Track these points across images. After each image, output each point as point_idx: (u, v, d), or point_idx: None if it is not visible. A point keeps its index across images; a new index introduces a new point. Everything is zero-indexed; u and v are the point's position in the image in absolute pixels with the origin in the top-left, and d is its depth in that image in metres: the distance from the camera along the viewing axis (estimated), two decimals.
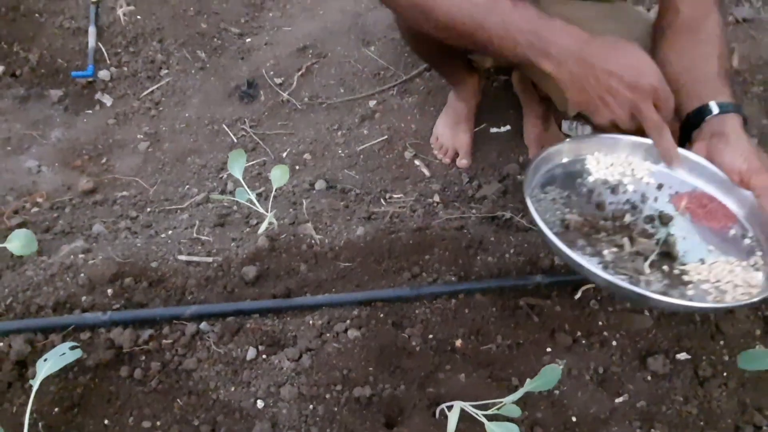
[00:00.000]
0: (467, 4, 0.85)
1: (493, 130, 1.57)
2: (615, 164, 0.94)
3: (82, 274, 0.99)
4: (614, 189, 0.92)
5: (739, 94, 1.06)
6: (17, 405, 0.80)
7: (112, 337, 0.88)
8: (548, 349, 0.88)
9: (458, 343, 0.89)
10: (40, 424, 0.78)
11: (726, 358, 0.83)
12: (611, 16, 1.18)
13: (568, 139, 0.92)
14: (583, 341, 0.88)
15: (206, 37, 1.90)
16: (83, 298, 0.95)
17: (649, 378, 0.83)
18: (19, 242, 0.99)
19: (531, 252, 1.03)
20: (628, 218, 0.87)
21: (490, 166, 1.48)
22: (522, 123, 1.54)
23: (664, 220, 0.88)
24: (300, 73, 1.76)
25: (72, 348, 0.79)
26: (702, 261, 0.83)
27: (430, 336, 0.89)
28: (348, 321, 0.90)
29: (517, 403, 0.75)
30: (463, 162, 1.47)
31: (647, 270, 0.79)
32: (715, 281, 0.80)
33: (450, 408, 0.73)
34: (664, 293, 0.76)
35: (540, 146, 1.50)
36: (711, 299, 0.75)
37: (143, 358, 0.87)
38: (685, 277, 0.80)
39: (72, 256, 1.05)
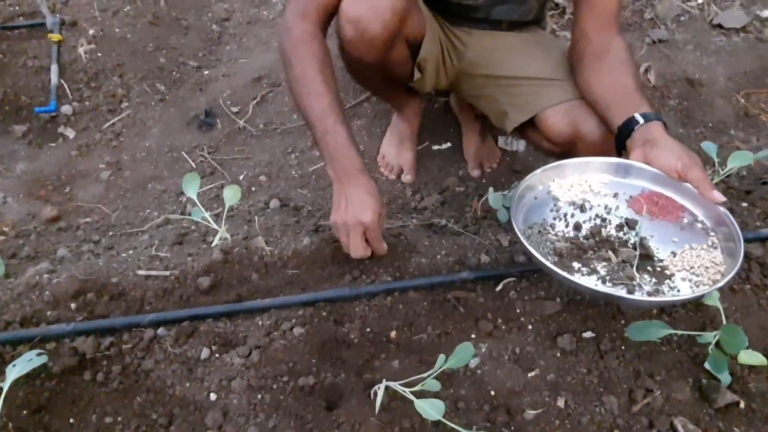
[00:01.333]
0: (305, 105, 1.06)
1: (435, 147, 1.71)
2: (574, 185, 1.07)
3: (47, 292, 1.06)
4: (582, 207, 1.03)
5: (656, 105, 1.21)
6: None
7: (75, 346, 0.96)
8: (472, 336, 0.99)
9: (393, 334, 0.99)
10: (9, 425, 0.85)
11: (625, 334, 0.95)
12: (532, 42, 1.33)
13: (530, 174, 1.04)
14: (503, 327, 1.00)
15: (165, 71, 2.00)
16: (48, 313, 1.02)
17: (558, 354, 0.95)
18: None
19: (460, 252, 1.14)
20: (604, 232, 0.99)
21: (432, 179, 1.60)
22: (461, 140, 1.69)
23: (631, 225, 1.00)
24: (255, 101, 1.88)
25: (38, 355, 0.87)
26: (673, 253, 0.96)
27: (368, 330, 0.99)
28: (293, 320, 1.00)
29: (442, 382, 0.86)
30: (407, 178, 1.60)
31: (637, 275, 0.91)
32: (690, 268, 0.93)
33: (380, 386, 0.83)
34: (656, 291, 0.89)
35: (478, 160, 1.64)
36: (694, 287, 0.90)
37: (105, 362, 0.94)
38: (667, 272, 0.93)
39: (37, 276, 1.12)
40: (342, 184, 1.04)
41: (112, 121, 1.83)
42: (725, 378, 0.89)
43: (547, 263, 0.87)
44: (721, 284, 0.87)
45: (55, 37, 1.92)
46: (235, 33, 2.29)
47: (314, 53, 1.05)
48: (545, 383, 0.91)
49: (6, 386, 0.82)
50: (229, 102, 1.90)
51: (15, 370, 0.84)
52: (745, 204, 1.29)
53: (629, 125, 1.05)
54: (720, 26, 2.06)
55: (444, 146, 1.70)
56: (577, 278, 0.88)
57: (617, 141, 1.08)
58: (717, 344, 0.90)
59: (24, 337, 0.96)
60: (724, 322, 0.93)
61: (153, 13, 2.14)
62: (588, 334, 0.98)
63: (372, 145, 1.69)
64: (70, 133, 1.80)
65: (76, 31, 2.01)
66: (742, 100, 1.87)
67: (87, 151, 1.75)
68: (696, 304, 1.01)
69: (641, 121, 1.04)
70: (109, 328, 0.99)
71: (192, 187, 1.18)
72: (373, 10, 1.06)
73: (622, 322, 0.99)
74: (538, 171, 1.05)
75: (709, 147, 1.32)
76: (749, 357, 0.88)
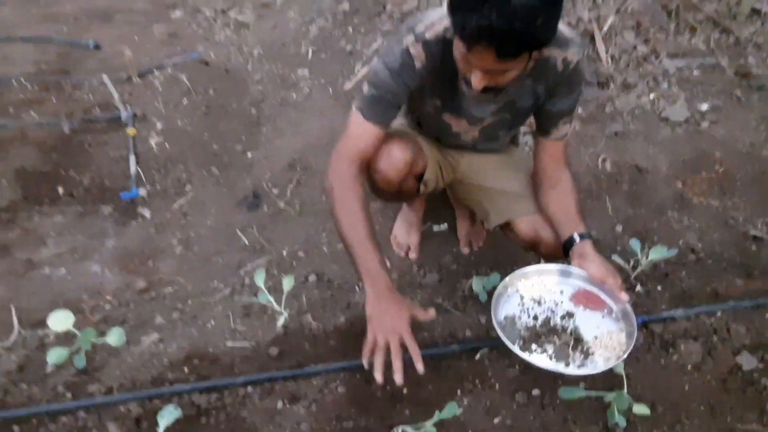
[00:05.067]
0: (347, 234, 1.36)
1: (435, 228, 2.18)
2: (534, 285, 1.54)
3: (165, 359, 1.54)
4: (539, 302, 1.49)
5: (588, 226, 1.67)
6: None
7: (193, 399, 1.43)
8: (458, 392, 1.46)
9: (405, 391, 1.46)
10: None
11: (558, 393, 1.42)
12: (508, 163, 1.80)
13: (505, 280, 1.50)
14: (479, 386, 1.47)
15: (218, 156, 2.48)
16: (169, 374, 1.50)
17: (515, 406, 1.42)
18: (115, 337, 1.55)
19: (452, 327, 1.62)
20: (552, 321, 1.44)
21: (432, 256, 2.08)
22: (456, 222, 2.16)
23: (570, 315, 1.45)
24: (292, 185, 2.36)
25: (174, 408, 1.35)
26: (596, 337, 1.41)
27: (387, 388, 1.47)
28: (337, 381, 1.47)
29: (437, 427, 1.33)
30: (413, 255, 2.07)
31: (572, 353, 1.37)
32: (605, 347, 1.39)
33: (398, 429, 1.31)
34: (583, 364, 1.34)
35: (468, 239, 2.12)
36: (605, 361, 1.34)
37: (214, 412, 1.42)
38: (590, 351, 1.38)
39: (153, 346, 1.60)
40: (378, 298, 1.31)
41: (178, 203, 2.30)
42: (622, 422, 1.36)
43: (516, 350, 1.34)
44: (615, 363, 1.34)
45: (131, 131, 2.41)
46: (269, 115, 2.77)
47: (357, 194, 1.38)
48: (505, 427, 1.38)
49: (161, 430, 1.29)
50: (270, 184, 2.37)
51: (164, 420, 1.31)
52: (659, 287, 1.77)
53: (570, 241, 1.52)
54: (667, 119, 2.53)
55: (442, 227, 2.18)
56: (534, 358, 1.35)
57: (563, 248, 1.56)
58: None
59: (159, 394, 1.44)
60: (626, 383, 1.40)
61: (205, 104, 2.63)
62: (536, 392, 1.45)
63: (386, 226, 2.17)
64: (147, 213, 2.27)
65: (146, 124, 2.49)
66: (680, 185, 2.34)
67: (161, 228, 2.22)
68: (610, 370, 1.48)
69: (578, 240, 1.51)
70: (214, 386, 1.46)
71: (260, 278, 1.66)
72: (392, 165, 1.54)
73: (559, 382, 1.47)
74: (509, 276, 1.52)
75: (635, 244, 1.80)
76: (639, 409, 1.35)
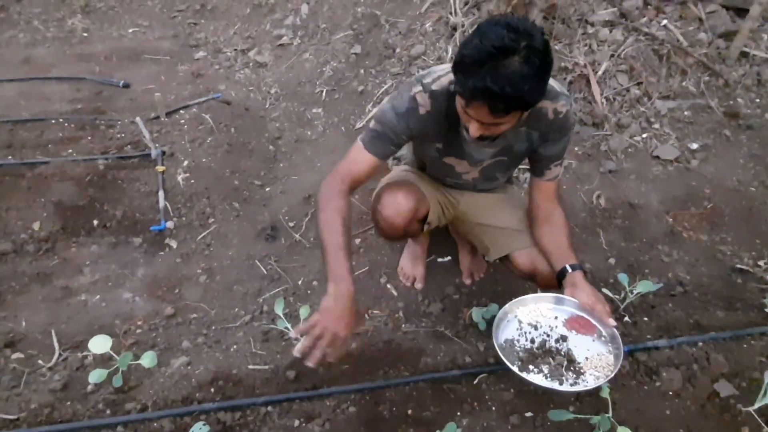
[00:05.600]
0: (324, 238, 1.48)
1: (439, 260, 2.35)
2: (531, 311, 1.69)
3: (193, 380, 1.71)
4: (535, 326, 1.65)
5: (580, 258, 1.78)
6: None
7: (219, 417, 1.59)
8: (458, 413, 1.61)
9: (410, 411, 1.62)
10: None
11: (548, 415, 1.56)
12: (505, 200, 1.97)
13: (505, 307, 1.66)
14: (477, 408, 1.62)
15: (238, 191, 2.68)
16: (197, 394, 1.67)
17: (509, 427, 1.57)
18: (148, 359, 1.73)
19: (453, 354, 1.78)
20: (547, 344, 1.59)
21: (437, 287, 2.24)
22: (458, 254, 2.33)
23: (564, 339, 1.61)
24: (307, 218, 2.54)
25: (203, 425, 1.51)
26: (587, 358, 1.55)
27: (394, 409, 1.62)
28: (348, 402, 1.63)
29: None
30: (418, 285, 2.24)
31: (565, 373, 1.52)
32: (595, 368, 1.53)
33: None
34: (575, 383, 1.48)
35: (470, 271, 2.28)
36: (595, 380, 1.48)
37: (237, 429, 1.58)
38: (582, 370, 1.52)
39: (182, 368, 1.77)
40: (336, 299, 1.41)
41: (202, 234, 2.49)
42: None
43: (515, 370, 1.49)
44: (602, 382, 1.48)
45: (160, 168, 2.62)
46: (286, 151, 2.98)
47: (340, 206, 1.50)
48: None
49: None
50: (287, 217, 2.56)
51: None
52: (646, 318, 1.91)
53: (563, 272, 1.68)
54: (658, 157, 2.70)
55: (445, 259, 2.34)
56: (531, 377, 1.49)
57: (557, 278, 1.71)
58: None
59: (188, 412, 1.60)
60: (611, 407, 1.55)
61: (227, 141, 2.84)
62: (528, 414, 1.60)
63: (393, 258, 2.34)
64: (174, 244, 2.46)
65: (174, 160, 2.70)
66: (670, 220, 2.50)
67: (187, 258, 2.41)
68: (597, 395, 1.62)
69: (570, 270, 1.66)
70: (238, 405, 1.62)
71: (279, 307, 1.84)
72: (397, 212, 1.72)
73: (551, 405, 1.61)
74: (509, 303, 1.68)
75: (623, 277, 1.95)
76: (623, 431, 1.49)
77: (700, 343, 1.80)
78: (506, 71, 1.27)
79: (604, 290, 1.93)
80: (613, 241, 2.42)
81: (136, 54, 3.81)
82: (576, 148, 2.74)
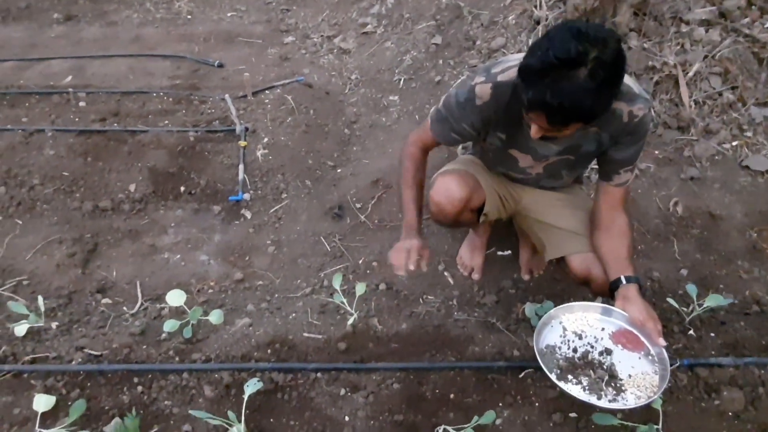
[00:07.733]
0: (402, 193, 1.78)
1: (499, 253, 2.34)
2: (577, 319, 1.65)
3: (252, 340, 1.84)
4: (580, 336, 1.60)
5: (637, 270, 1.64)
6: (229, 406, 1.64)
7: (272, 377, 1.71)
8: (500, 404, 1.63)
9: (452, 396, 1.65)
10: (243, 414, 1.60)
11: (593, 417, 1.54)
12: (568, 201, 1.93)
13: (550, 311, 1.64)
14: (520, 402, 1.63)
15: (311, 170, 2.81)
16: (255, 353, 1.80)
17: (551, 425, 1.56)
18: (215, 317, 1.87)
19: (500, 346, 1.79)
20: (590, 356, 1.54)
21: (493, 279, 2.24)
22: (519, 249, 2.31)
23: (608, 352, 1.55)
24: (373, 201, 2.62)
25: (257, 381, 1.63)
26: (630, 376, 1.50)
27: (437, 391, 1.66)
28: (393, 379, 1.69)
29: (474, 429, 1.51)
30: (476, 276, 2.25)
31: (605, 388, 1.49)
32: (637, 387, 1.48)
33: (441, 428, 1.50)
34: (614, 400, 1.44)
35: (529, 267, 2.26)
36: (636, 400, 1.44)
37: (288, 389, 1.69)
38: (623, 387, 1.48)
39: (244, 328, 1.91)
40: (407, 236, 1.71)
41: (275, 208, 2.64)
42: None
43: (553, 377, 1.47)
44: (643, 403, 1.42)
45: (243, 143, 2.79)
46: (360, 135, 3.07)
47: (415, 165, 1.77)
48: None
49: (246, 397, 1.58)
50: (354, 198, 2.65)
51: (249, 389, 1.59)
52: (712, 334, 1.82)
53: (617, 282, 1.63)
54: (747, 167, 2.52)
55: (506, 253, 2.34)
56: (568, 387, 1.46)
57: (610, 288, 1.67)
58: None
59: (246, 368, 1.74)
60: (661, 419, 1.50)
61: (306, 122, 2.97)
62: (572, 415, 1.59)
63: (453, 247, 2.36)
64: (248, 214, 2.63)
65: (255, 137, 2.87)
66: (754, 235, 2.33)
67: (259, 229, 2.56)
68: (647, 406, 1.57)
69: (624, 282, 1.61)
70: (291, 368, 1.74)
71: (337, 282, 1.93)
72: (448, 199, 1.75)
73: (596, 409, 1.59)
74: (555, 309, 1.66)
75: (692, 289, 1.87)
76: None
77: None
78: (568, 85, 1.25)
79: (670, 300, 1.86)
80: (687, 252, 2.30)
81: (232, 37, 4.05)
82: (656, 152, 2.62)
